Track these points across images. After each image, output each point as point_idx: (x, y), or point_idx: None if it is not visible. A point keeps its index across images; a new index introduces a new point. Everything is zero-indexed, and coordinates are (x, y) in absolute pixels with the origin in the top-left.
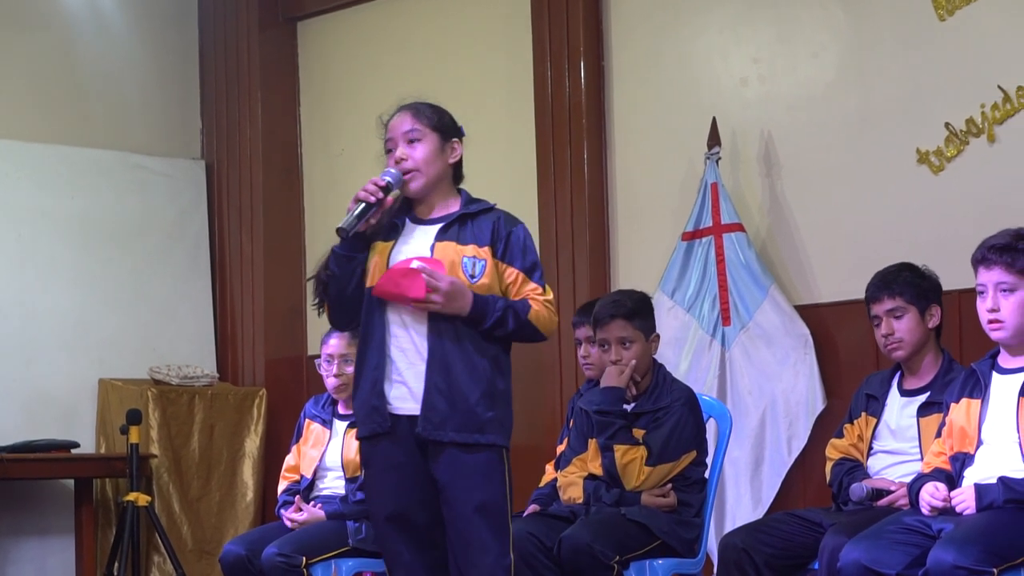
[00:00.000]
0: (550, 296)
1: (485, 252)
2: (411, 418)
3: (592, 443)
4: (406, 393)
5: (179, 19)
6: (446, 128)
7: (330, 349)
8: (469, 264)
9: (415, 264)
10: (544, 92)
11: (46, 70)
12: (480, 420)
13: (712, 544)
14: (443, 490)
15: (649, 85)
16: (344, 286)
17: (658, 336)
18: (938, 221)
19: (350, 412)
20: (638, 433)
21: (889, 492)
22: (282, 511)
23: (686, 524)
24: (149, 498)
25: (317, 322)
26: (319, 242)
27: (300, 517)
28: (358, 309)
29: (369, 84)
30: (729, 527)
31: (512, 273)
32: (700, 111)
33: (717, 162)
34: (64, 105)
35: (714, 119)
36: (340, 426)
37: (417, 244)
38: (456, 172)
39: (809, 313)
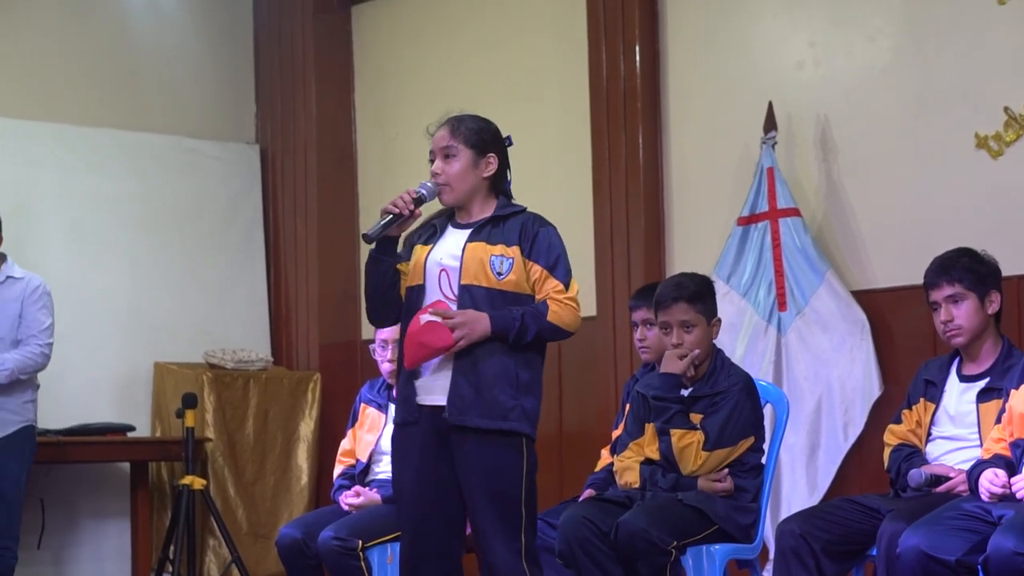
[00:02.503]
0: (573, 292)
1: (513, 251)
2: (436, 409)
3: (649, 428)
4: (434, 386)
5: (234, 4)
6: (482, 144)
7: (384, 334)
8: (497, 262)
9: (424, 319)
10: (599, 77)
11: (101, 55)
12: (504, 408)
13: (767, 530)
14: (462, 475)
15: (704, 70)
16: (377, 285)
17: (719, 320)
18: (997, 206)
19: None
20: (695, 418)
21: (948, 478)
22: (338, 495)
23: (743, 510)
24: (204, 481)
25: None
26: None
27: (356, 501)
28: (393, 308)
29: (424, 69)
30: (784, 513)
31: (536, 271)
32: (756, 95)
33: (773, 147)
34: (119, 90)
35: (770, 103)
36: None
37: (450, 244)
38: (495, 182)
39: (866, 298)
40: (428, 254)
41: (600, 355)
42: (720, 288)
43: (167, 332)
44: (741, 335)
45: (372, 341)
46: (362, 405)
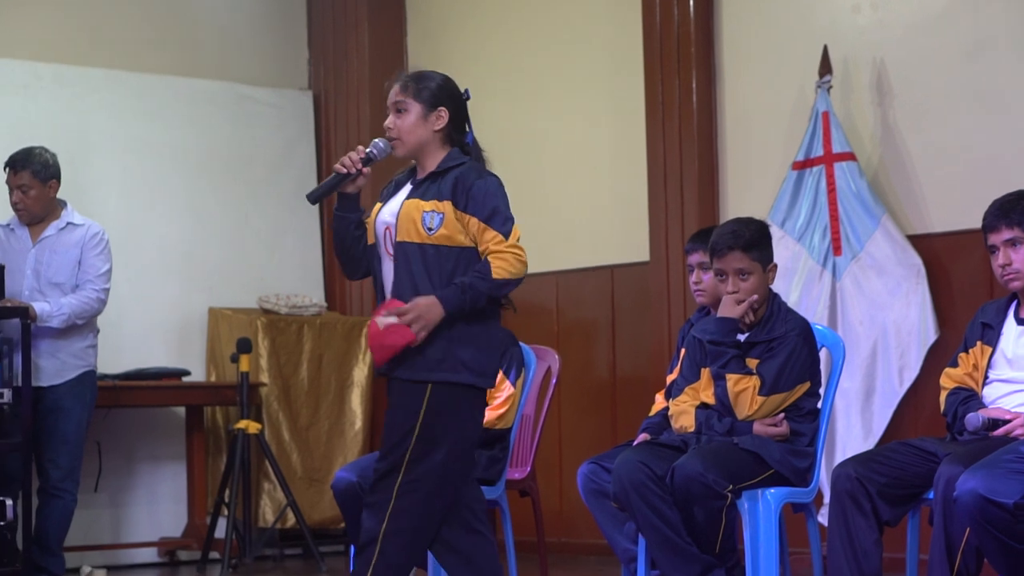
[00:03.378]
0: (513, 239)
1: (445, 206)
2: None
3: (705, 372)
4: None
5: None
6: (433, 98)
7: None
8: (428, 218)
9: (381, 322)
10: (652, 20)
11: (155, 1)
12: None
13: (822, 474)
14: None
15: (759, 13)
16: (340, 242)
17: (775, 266)
18: None
19: None
20: (752, 363)
21: (1005, 421)
22: None
23: (799, 454)
24: (259, 426)
25: None
26: None
27: None
28: (360, 263)
29: (476, 13)
30: (839, 457)
31: (474, 224)
32: (811, 39)
33: (828, 90)
34: (173, 36)
35: (825, 47)
36: None
37: (394, 203)
38: (449, 136)
39: (922, 243)
40: (378, 212)
41: (654, 299)
42: (775, 233)
43: (221, 278)
44: (796, 280)
45: None
46: None
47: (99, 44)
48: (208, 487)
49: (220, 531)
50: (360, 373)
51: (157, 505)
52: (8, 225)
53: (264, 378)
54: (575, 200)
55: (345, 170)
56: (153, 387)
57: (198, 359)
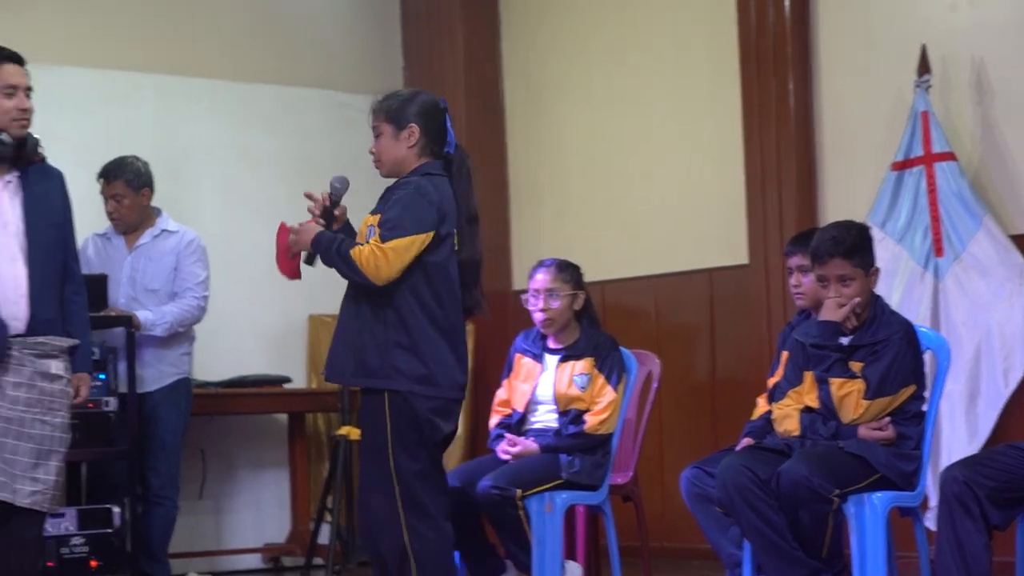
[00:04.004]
0: (386, 246)
1: (375, 218)
2: None
3: (808, 375)
4: None
5: None
6: (400, 117)
7: (536, 284)
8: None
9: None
10: (747, 20)
11: (250, 10)
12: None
13: (928, 478)
14: None
15: (856, 12)
16: None
17: (878, 270)
18: None
19: (560, 346)
20: (855, 366)
21: None
22: (495, 444)
23: (905, 457)
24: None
25: (522, 258)
26: (521, 178)
27: (514, 450)
28: None
29: (570, 18)
30: (945, 461)
31: (366, 220)
32: (909, 38)
33: (927, 90)
34: (270, 45)
35: (923, 46)
36: (551, 360)
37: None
38: (425, 148)
39: None
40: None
41: (753, 302)
42: (875, 234)
43: (321, 284)
44: (897, 281)
45: (524, 291)
46: (516, 355)
47: (199, 55)
48: (311, 493)
49: (324, 537)
50: None
51: (261, 511)
52: (104, 234)
53: None
54: (673, 203)
55: (318, 213)
56: (255, 394)
57: (299, 366)
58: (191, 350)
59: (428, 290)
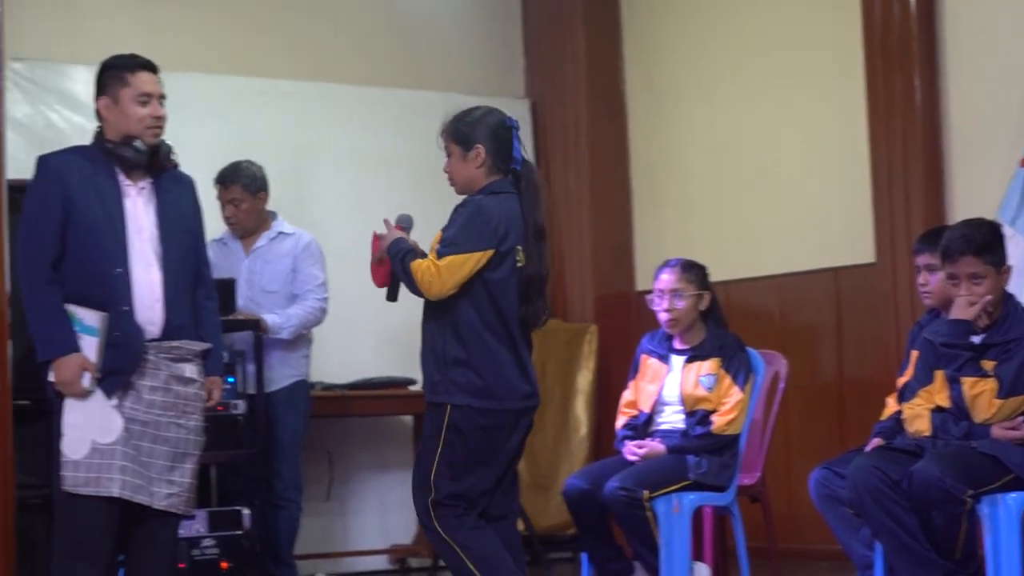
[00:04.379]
0: (442, 263)
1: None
2: None
3: (938, 375)
4: None
5: None
6: (466, 138)
7: (661, 284)
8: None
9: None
10: (872, 17)
11: (372, 15)
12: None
13: None
14: None
15: (981, 8)
16: None
17: (1009, 267)
18: None
19: (686, 346)
20: (987, 365)
21: None
22: (622, 446)
23: None
24: None
25: (645, 258)
26: (643, 178)
27: (641, 452)
28: None
29: (693, 17)
30: None
31: (436, 236)
32: None
33: None
34: (391, 48)
35: None
36: (677, 360)
37: None
38: (493, 166)
39: None
40: None
41: (880, 301)
42: (1005, 232)
43: None
44: None
45: (647, 292)
46: (643, 356)
47: (322, 59)
48: None
49: None
50: (584, 380)
51: (387, 513)
52: (220, 239)
53: None
54: (797, 202)
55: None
56: (380, 396)
57: None
58: (310, 352)
59: (489, 305)
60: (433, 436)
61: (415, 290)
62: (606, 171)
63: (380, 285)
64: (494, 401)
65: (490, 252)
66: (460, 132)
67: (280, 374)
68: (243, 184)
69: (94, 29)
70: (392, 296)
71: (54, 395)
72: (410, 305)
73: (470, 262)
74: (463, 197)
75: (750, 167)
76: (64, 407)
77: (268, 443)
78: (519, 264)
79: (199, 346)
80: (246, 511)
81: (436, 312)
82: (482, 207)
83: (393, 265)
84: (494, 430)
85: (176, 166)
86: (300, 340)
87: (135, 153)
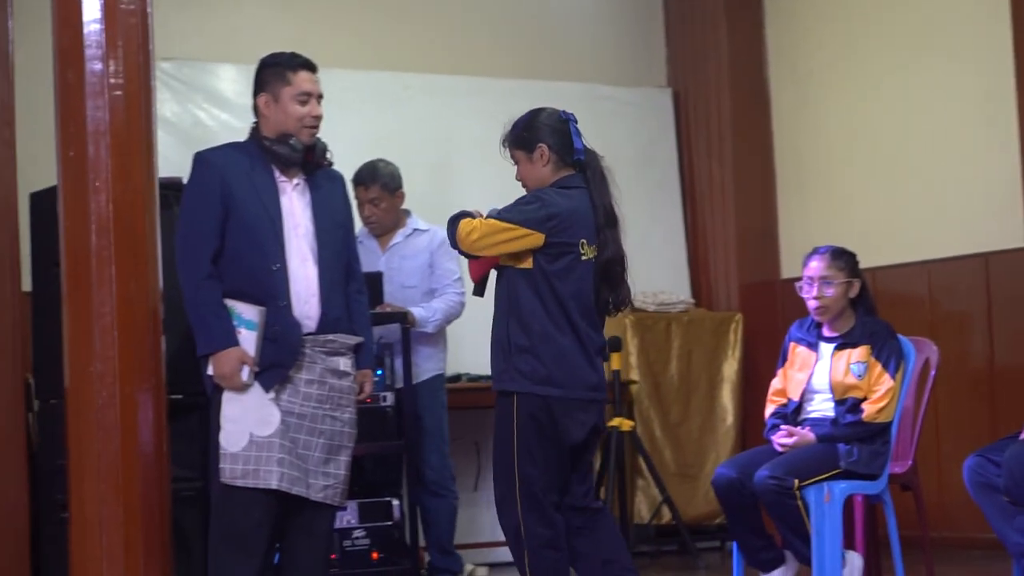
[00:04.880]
0: (486, 221)
1: None
2: None
3: None
4: None
5: None
6: (526, 141)
7: (811, 272)
8: None
9: None
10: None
11: (513, 7)
12: (497, 370)
13: None
14: None
15: None
16: None
17: None
18: None
19: (835, 334)
20: None
21: None
22: (771, 435)
23: None
24: (632, 423)
25: (790, 246)
26: (788, 165)
27: (790, 441)
28: None
29: (838, 4)
30: None
31: None
32: None
33: None
34: (531, 40)
35: None
36: (826, 348)
37: None
38: (560, 161)
39: None
40: None
41: None
42: None
43: None
44: None
45: (792, 280)
46: (791, 344)
47: (463, 53)
48: None
49: None
50: (730, 369)
51: None
52: (357, 238)
53: (634, 376)
54: (944, 187)
55: None
56: None
57: None
58: (446, 346)
59: (551, 295)
60: (506, 427)
61: (452, 240)
62: (750, 159)
63: (475, 279)
64: (555, 389)
65: (538, 236)
66: (520, 137)
67: (424, 368)
68: (382, 184)
69: (240, 28)
70: (479, 291)
71: (212, 389)
72: None
73: (510, 234)
74: None
75: (896, 152)
76: (222, 400)
77: (418, 434)
78: (584, 257)
79: (353, 340)
80: (396, 502)
81: (502, 304)
82: (540, 196)
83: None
84: (558, 419)
85: (331, 164)
86: (439, 334)
87: (292, 151)
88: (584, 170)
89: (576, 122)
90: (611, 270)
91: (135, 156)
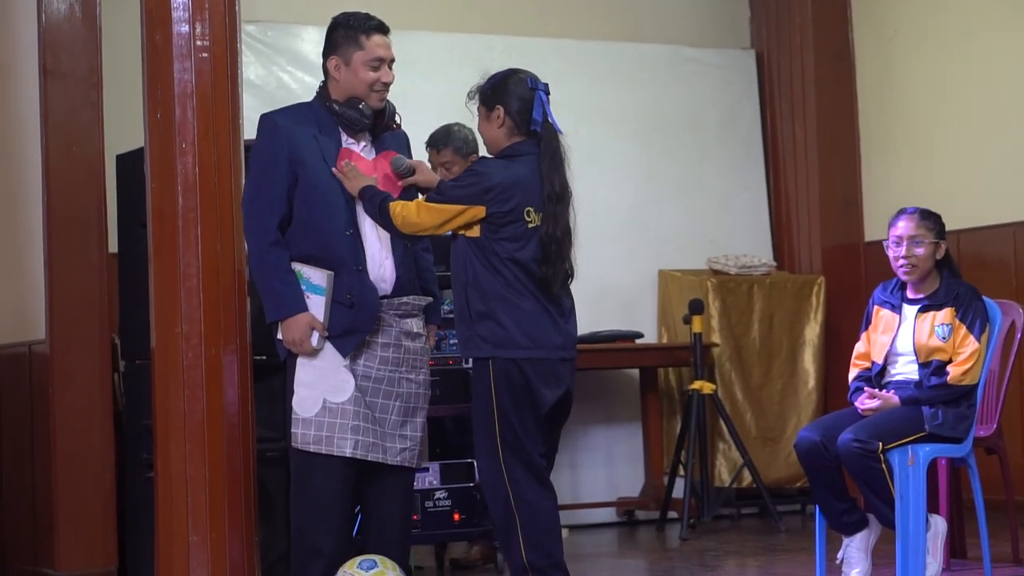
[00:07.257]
0: (424, 204)
1: None
2: None
3: None
4: None
5: None
6: (487, 99)
7: (899, 231)
8: None
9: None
10: None
11: None
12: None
13: None
14: None
15: None
16: None
17: None
18: None
19: (919, 296)
20: None
21: None
22: (855, 398)
23: None
24: (713, 386)
25: (874, 208)
26: (872, 128)
27: (873, 404)
28: None
29: None
30: None
31: None
32: None
33: None
34: (615, 2)
35: None
36: (910, 311)
37: None
38: (515, 127)
39: None
40: None
41: None
42: None
43: (670, 240)
44: None
45: (875, 242)
46: (875, 307)
47: (546, 15)
48: (664, 448)
49: (677, 491)
50: (812, 332)
51: (614, 466)
52: None
53: (716, 339)
54: None
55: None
56: (607, 350)
57: (649, 321)
58: None
59: (504, 261)
60: (483, 392)
61: (387, 226)
62: (833, 121)
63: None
64: (521, 351)
65: (478, 208)
66: (485, 94)
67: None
68: (455, 147)
69: None
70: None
71: (286, 354)
72: (634, 259)
73: (449, 213)
74: None
75: (981, 113)
76: (296, 365)
77: None
78: (532, 224)
79: (424, 300)
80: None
81: (459, 273)
82: (478, 169)
83: (366, 209)
84: (531, 379)
85: (399, 126)
86: None
87: (361, 116)
88: (539, 141)
89: (547, 93)
90: (547, 246)
91: (221, 118)
